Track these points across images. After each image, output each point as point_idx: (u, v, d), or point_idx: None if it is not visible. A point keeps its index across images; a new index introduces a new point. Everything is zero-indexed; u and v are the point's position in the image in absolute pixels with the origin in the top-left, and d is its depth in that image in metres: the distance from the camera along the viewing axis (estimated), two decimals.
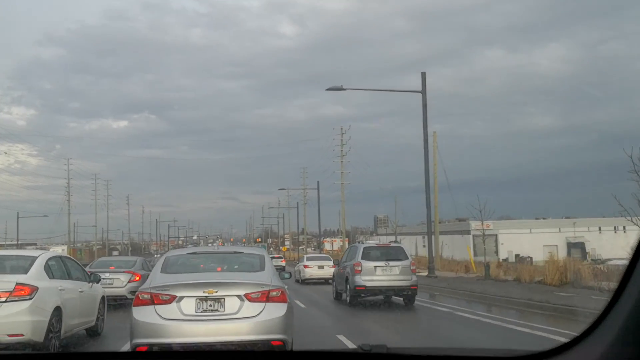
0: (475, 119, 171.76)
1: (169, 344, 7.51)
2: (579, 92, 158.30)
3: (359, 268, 17.98)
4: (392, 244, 21.77)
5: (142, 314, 7.75)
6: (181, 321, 7.60)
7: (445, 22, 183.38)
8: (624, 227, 62.23)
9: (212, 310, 7.72)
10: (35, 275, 9.59)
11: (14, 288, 8.97)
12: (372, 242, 25.74)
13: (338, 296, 20.38)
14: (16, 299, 8.91)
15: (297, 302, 18.40)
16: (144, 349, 7.54)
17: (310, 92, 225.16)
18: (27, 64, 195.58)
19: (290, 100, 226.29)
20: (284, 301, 8.01)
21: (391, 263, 18.15)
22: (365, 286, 17.84)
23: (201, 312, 7.69)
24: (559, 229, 66.69)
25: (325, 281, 29.00)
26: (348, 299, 18.50)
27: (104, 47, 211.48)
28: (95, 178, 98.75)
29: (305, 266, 32.90)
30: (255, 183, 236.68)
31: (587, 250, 62.85)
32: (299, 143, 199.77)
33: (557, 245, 62.81)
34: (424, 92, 24.81)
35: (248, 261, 9.23)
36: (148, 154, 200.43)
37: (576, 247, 63.45)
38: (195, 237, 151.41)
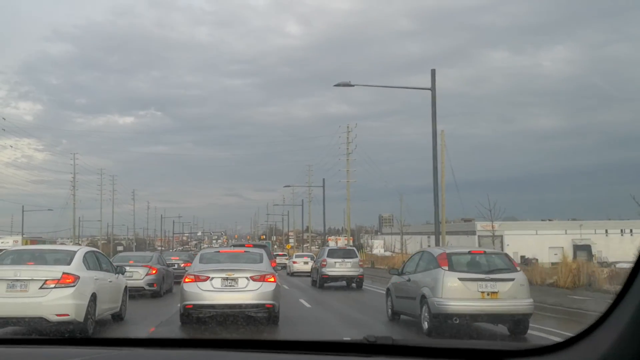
0: (479, 119, 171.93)
1: (205, 304, 12.25)
2: (583, 93, 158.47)
3: (325, 263, 26.58)
4: (347, 247, 32.58)
5: (189, 287, 12.42)
6: (212, 291, 12.28)
7: (450, 22, 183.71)
8: (631, 230, 62.32)
9: (230, 285, 12.37)
10: (76, 267, 11.29)
11: (61, 276, 10.70)
12: (335, 245, 36.71)
13: (314, 283, 28.37)
14: (63, 285, 10.64)
15: (302, 301, 19.24)
16: (190, 306, 12.29)
17: (315, 91, 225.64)
18: (34, 59, 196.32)
19: (295, 99, 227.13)
20: (274, 282, 12.59)
21: (346, 260, 26.67)
22: (328, 275, 26.52)
23: (224, 286, 12.35)
24: (565, 230, 66.62)
25: (309, 274, 34.46)
26: (317, 283, 27.11)
27: (111, 44, 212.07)
28: (100, 173, 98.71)
29: (294, 262, 41.12)
30: (259, 180, 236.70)
31: (593, 253, 62.89)
32: (304, 141, 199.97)
33: (562, 247, 62.72)
34: (433, 89, 24.58)
35: (252, 257, 13.87)
36: (154, 150, 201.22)
37: (582, 250, 63.34)
38: (199, 234, 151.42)
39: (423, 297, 12.07)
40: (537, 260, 56.18)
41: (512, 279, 11.83)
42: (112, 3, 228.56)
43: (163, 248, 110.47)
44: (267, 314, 12.63)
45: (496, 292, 11.62)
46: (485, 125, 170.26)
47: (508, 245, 63.90)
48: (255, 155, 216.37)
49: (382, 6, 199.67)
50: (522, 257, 59.30)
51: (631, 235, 61.80)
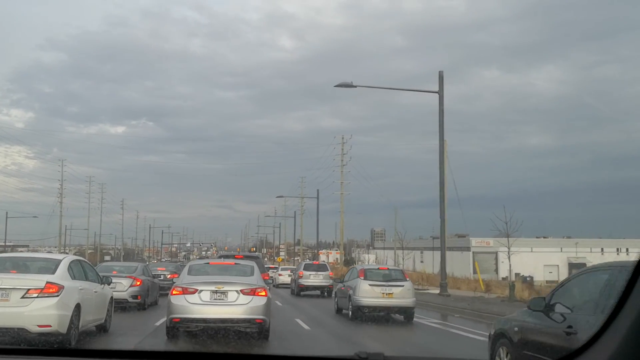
0: (471, 136, 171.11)
1: (193, 318, 11.74)
2: (574, 112, 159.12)
3: (301, 274, 31.88)
4: (320, 262, 37.45)
5: (177, 300, 11.87)
6: (200, 305, 11.78)
7: (442, 40, 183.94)
8: (627, 249, 61.66)
9: (220, 299, 11.89)
10: (61, 276, 10.94)
11: (45, 286, 10.27)
12: (310, 261, 42.16)
13: (293, 292, 33.56)
14: (46, 295, 10.21)
15: (299, 321, 18.18)
16: (177, 320, 11.80)
17: (308, 104, 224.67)
18: (27, 67, 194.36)
19: (288, 112, 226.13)
20: (265, 295, 12.13)
21: (319, 272, 31.97)
22: (304, 285, 31.47)
23: (213, 299, 11.87)
24: (561, 248, 65.80)
25: None
26: (295, 292, 32.43)
27: (104, 53, 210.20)
28: (89, 180, 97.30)
29: (279, 274, 45.30)
30: (250, 192, 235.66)
31: None
32: (296, 154, 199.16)
33: (558, 265, 61.99)
34: (440, 92, 23.53)
35: (243, 269, 13.37)
36: (145, 160, 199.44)
37: (577, 268, 62.48)
38: (189, 245, 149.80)
39: (350, 296, 18.70)
40: (532, 278, 55.33)
41: (403, 285, 18.71)
42: (107, 13, 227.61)
43: (161, 259, 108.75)
44: (258, 329, 12.25)
45: (392, 293, 18.36)
46: (477, 143, 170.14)
47: (503, 262, 62.99)
48: (246, 167, 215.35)
49: (374, 22, 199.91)
50: (517, 274, 58.24)
51: (627, 254, 61.09)
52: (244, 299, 11.85)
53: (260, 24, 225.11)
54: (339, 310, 20.60)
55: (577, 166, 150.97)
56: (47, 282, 10.29)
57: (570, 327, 6.27)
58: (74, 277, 11.44)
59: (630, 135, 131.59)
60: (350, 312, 18.52)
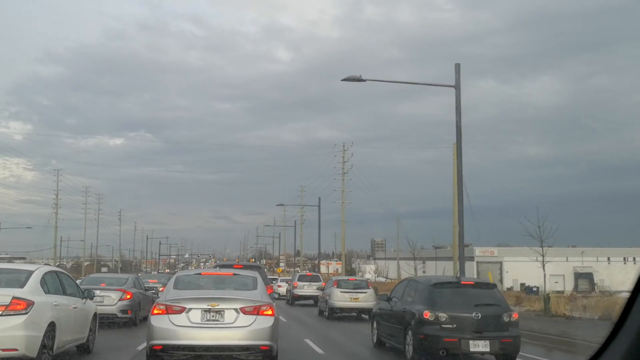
0: (466, 146, 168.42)
1: (179, 345, 9.28)
2: (569, 123, 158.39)
3: (296, 285, 34.71)
4: (313, 274, 39.25)
5: (158, 321, 9.39)
6: (189, 327, 9.32)
7: (436, 52, 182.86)
8: (634, 258, 60.44)
9: (214, 320, 9.44)
10: (31, 290, 9.59)
11: (10, 302, 8.93)
12: (304, 272, 46.69)
13: (288, 302, 36.06)
14: (12, 313, 8.88)
15: (309, 342, 17.50)
16: (159, 347, 9.34)
17: (305, 116, 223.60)
18: (25, 80, 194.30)
19: (285, 123, 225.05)
20: (271, 315, 9.70)
21: (312, 283, 34.32)
22: (298, 294, 34.21)
23: (205, 321, 9.41)
24: (566, 258, 64.44)
25: None
26: (290, 302, 35.17)
27: (102, 66, 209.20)
28: (85, 191, 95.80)
29: (279, 286, 46.38)
30: (248, 203, 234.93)
31: (595, 281, 60.64)
32: (293, 165, 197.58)
33: (563, 275, 60.62)
34: (457, 86, 22.11)
35: (243, 281, 10.89)
36: (143, 171, 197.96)
37: (584, 278, 61.11)
38: (187, 256, 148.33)
39: (327, 300, 24.42)
40: (538, 288, 54.08)
41: (366, 292, 24.35)
42: (105, 27, 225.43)
43: (158, 271, 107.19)
44: (263, 358, 9.78)
45: (357, 298, 23.93)
46: (473, 153, 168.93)
47: (507, 272, 61.62)
48: (244, 178, 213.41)
49: (370, 35, 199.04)
50: (522, 284, 56.92)
51: (634, 263, 59.90)
52: (245, 319, 9.43)
53: (257, 36, 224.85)
54: (320, 312, 26.18)
55: (575, 176, 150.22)
56: (14, 298, 8.94)
57: (390, 307, 13.74)
58: (47, 291, 10.06)
59: (625, 145, 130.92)
60: (326, 313, 24.37)
